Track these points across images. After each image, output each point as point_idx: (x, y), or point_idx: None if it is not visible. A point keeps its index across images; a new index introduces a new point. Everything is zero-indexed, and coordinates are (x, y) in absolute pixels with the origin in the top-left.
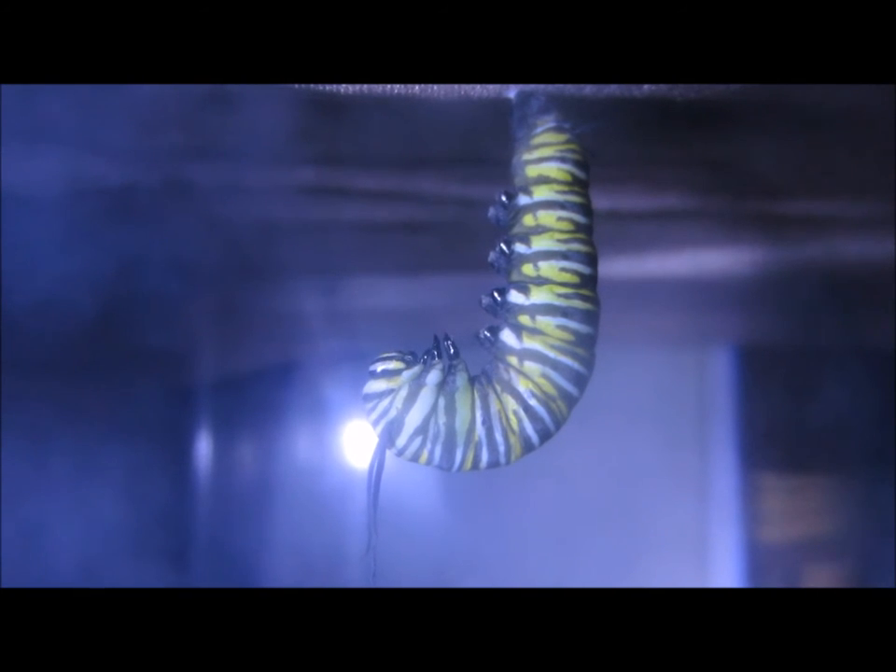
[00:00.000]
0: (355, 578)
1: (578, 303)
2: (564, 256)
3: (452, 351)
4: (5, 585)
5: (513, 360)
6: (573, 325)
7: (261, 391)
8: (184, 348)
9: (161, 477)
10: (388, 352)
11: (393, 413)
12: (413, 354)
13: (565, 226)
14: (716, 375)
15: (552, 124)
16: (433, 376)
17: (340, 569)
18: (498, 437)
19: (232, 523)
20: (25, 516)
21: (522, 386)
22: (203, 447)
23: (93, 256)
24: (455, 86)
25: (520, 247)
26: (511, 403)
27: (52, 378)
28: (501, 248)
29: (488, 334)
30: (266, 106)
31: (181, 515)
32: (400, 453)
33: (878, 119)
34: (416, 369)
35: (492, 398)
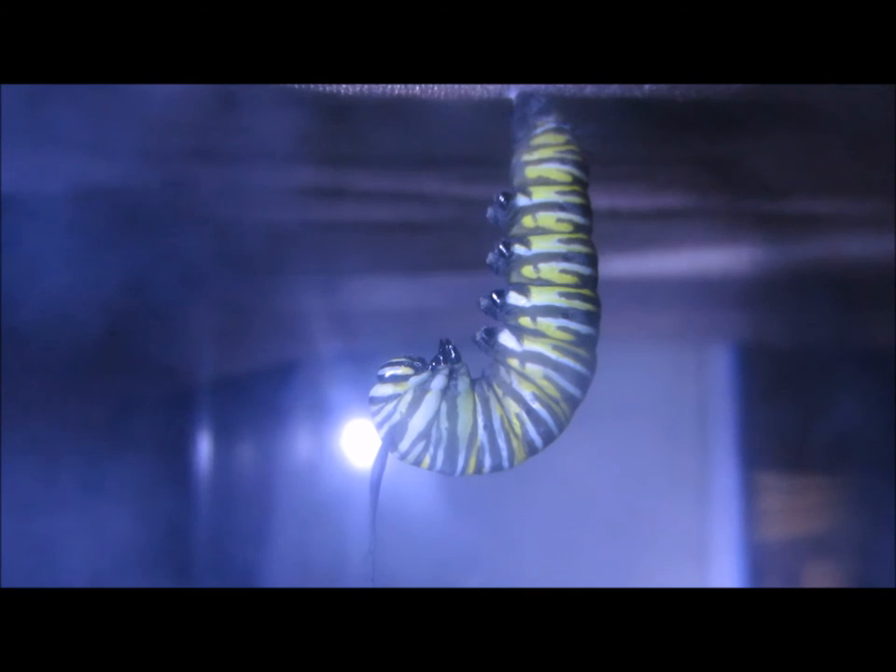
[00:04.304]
0: (356, 578)
1: (579, 304)
2: (564, 257)
3: (453, 355)
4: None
5: (514, 363)
6: (574, 326)
7: (262, 392)
8: (186, 352)
9: (166, 483)
10: (398, 357)
11: (397, 417)
12: (422, 360)
13: (565, 227)
14: (716, 374)
15: (552, 125)
16: (438, 381)
17: (341, 570)
18: (501, 442)
19: (235, 525)
20: (32, 529)
21: (524, 389)
22: (205, 450)
23: (95, 264)
24: (456, 86)
25: (519, 249)
26: (514, 407)
27: (55, 388)
28: (500, 250)
29: (485, 336)
30: (267, 108)
31: (185, 520)
32: (403, 457)
33: (878, 118)
34: (424, 375)
35: (493, 402)
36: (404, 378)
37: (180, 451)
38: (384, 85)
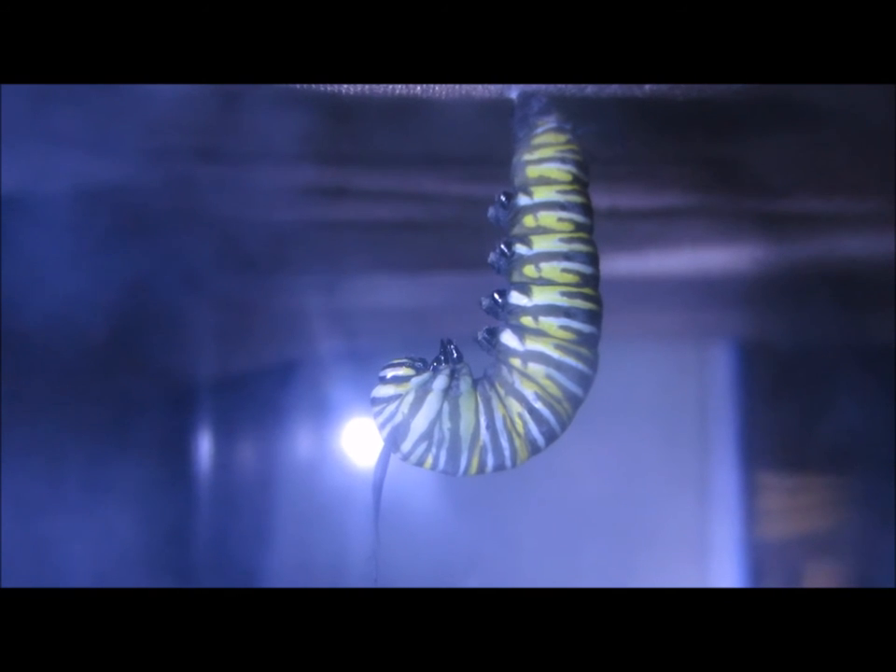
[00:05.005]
0: (357, 579)
1: (580, 303)
2: (566, 256)
3: (455, 355)
4: None
5: (516, 363)
6: (576, 325)
7: (264, 392)
8: (188, 352)
9: (167, 484)
10: (399, 357)
11: (399, 417)
12: (423, 360)
13: (566, 227)
14: (716, 373)
15: (552, 125)
16: (439, 382)
17: (342, 570)
18: (503, 441)
19: (237, 525)
20: (34, 530)
21: (526, 389)
22: (207, 450)
23: (97, 265)
24: (457, 87)
25: (521, 249)
26: (516, 406)
27: (57, 389)
28: (501, 249)
29: (487, 336)
30: (269, 108)
31: (187, 520)
32: (406, 457)
33: (878, 118)
34: (425, 375)
35: (495, 401)
36: (405, 379)
37: (182, 451)
38: (385, 85)
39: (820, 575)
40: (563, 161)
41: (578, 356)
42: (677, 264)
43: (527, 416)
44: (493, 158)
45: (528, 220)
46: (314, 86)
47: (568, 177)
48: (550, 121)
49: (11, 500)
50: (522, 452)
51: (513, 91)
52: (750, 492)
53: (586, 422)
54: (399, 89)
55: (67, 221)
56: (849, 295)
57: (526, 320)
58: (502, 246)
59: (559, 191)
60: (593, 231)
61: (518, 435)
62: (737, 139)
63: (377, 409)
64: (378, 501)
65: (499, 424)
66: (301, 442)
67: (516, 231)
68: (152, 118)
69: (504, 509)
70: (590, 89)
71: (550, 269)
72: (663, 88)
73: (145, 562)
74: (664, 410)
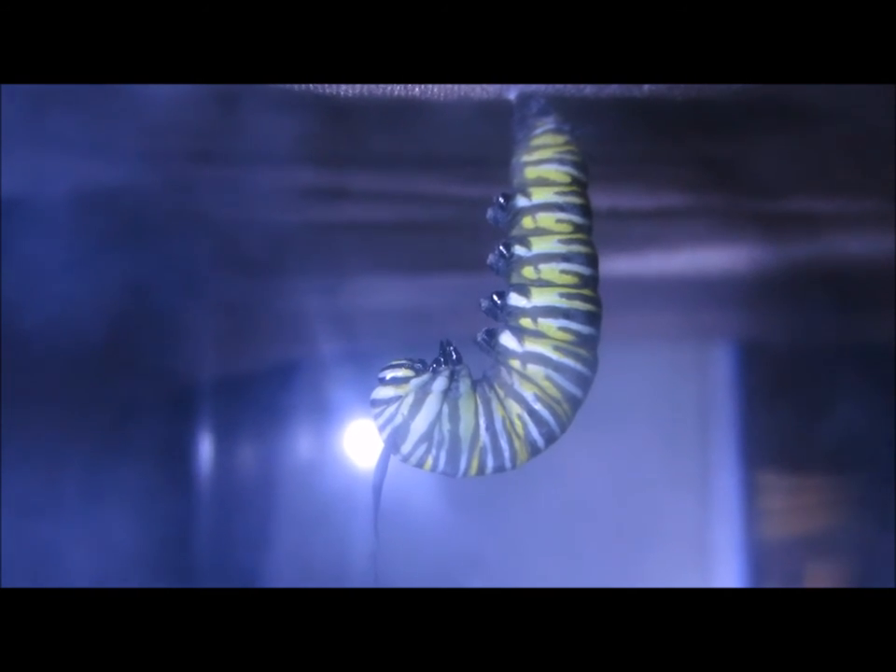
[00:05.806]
0: (358, 580)
1: (579, 304)
2: (564, 258)
3: (455, 357)
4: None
5: (516, 364)
6: (575, 326)
7: (264, 394)
8: (188, 355)
9: (168, 487)
10: (398, 359)
11: (399, 419)
12: (422, 362)
13: (564, 228)
14: (716, 374)
15: (551, 126)
16: (439, 383)
17: (343, 572)
18: (503, 443)
19: (237, 527)
20: (34, 534)
21: (525, 390)
22: (207, 453)
23: (96, 267)
24: (456, 87)
25: (520, 250)
26: (515, 408)
27: (57, 392)
28: (500, 251)
29: (486, 337)
30: (268, 110)
31: (187, 523)
32: (405, 459)
33: (878, 118)
34: (425, 377)
35: (494, 403)
36: (405, 380)
37: (183, 454)
38: (383, 86)
39: (821, 575)
40: (561, 162)
41: (577, 357)
42: (676, 265)
43: (527, 418)
44: (492, 159)
45: (527, 222)
46: (312, 88)
47: (567, 179)
48: (548, 123)
49: (11, 504)
50: (521, 453)
51: (512, 93)
52: (751, 492)
53: (586, 423)
54: (398, 90)
55: (66, 224)
56: (849, 295)
57: (525, 322)
58: (501, 248)
59: (558, 193)
60: (592, 233)
61: (518, 436)
62: (736, 139)
63: (377, 411)
64: (378, 503)
65: (499, 425)
66: (301, 444)
67: (515, 232)
68: (150, 120)
69: (504, 509)
70: (588, 89)
71: (549, 270)
72: (661, 88)
73: (145, 565)
74: (664, 410)
